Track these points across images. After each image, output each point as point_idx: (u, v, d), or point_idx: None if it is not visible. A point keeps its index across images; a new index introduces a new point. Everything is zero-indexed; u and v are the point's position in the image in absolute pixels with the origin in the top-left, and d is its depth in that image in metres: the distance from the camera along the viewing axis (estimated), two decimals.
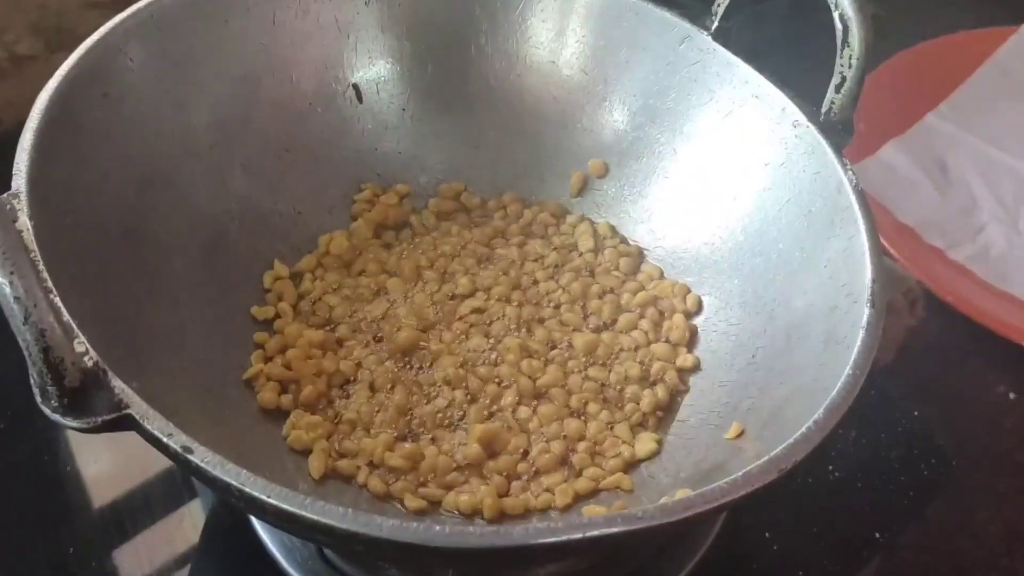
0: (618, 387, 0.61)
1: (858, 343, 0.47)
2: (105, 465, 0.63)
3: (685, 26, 0.65)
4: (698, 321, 0.64)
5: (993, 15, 1.01)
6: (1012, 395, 0.72)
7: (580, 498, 0.56)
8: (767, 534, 0.61)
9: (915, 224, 0.81)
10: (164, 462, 0.61)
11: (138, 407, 0.40)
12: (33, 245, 0.42)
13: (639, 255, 0.68)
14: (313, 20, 0.66)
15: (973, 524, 0.64)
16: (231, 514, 0.61)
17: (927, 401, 0.70)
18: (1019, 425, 0.70)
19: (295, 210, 0.66)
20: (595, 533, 0.38)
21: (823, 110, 0.58)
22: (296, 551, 0.57)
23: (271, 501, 0.38)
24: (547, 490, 0.56)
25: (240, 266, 0.63)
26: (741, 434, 0.53)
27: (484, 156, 0.71)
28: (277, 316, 0.62)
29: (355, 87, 0.69)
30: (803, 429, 0.42)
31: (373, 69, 0.69)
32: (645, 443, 0.58)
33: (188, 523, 0.61)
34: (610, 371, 0.61)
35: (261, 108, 0.65)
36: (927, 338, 0.75)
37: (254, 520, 0.58)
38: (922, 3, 1.07)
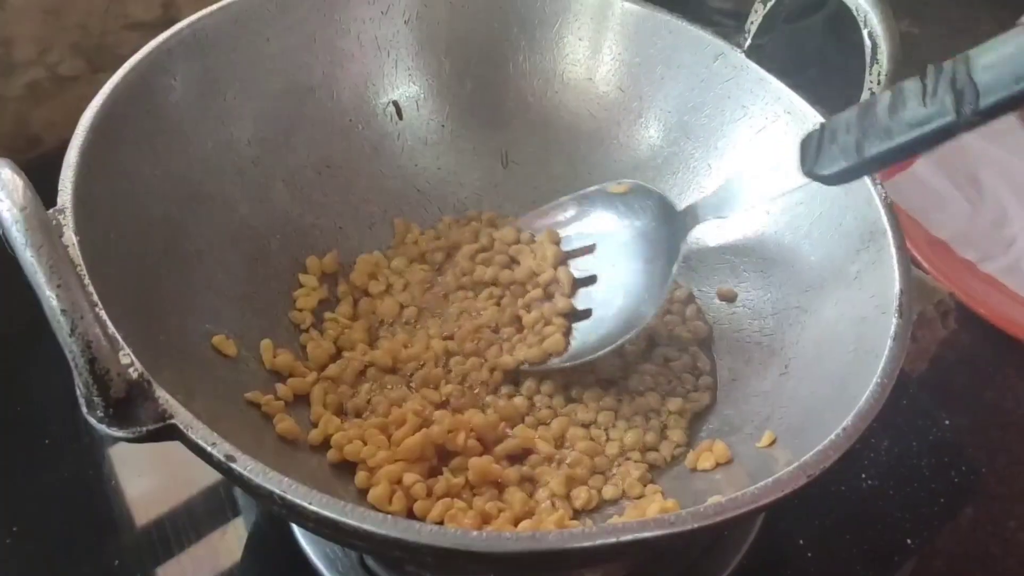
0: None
1: (886, 352, 0.48)
2: (149, 482, 0.64)
3: (719, 43, 0.65)
4: (733, 332, 0.64)
5: None
6: None
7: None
8: (801, 541, 0.62)
9: (947, 237, 0.82)
10: (206, 480, 0.63)
11: (182, 417, 0.41)
12: (79, 259, 0.43)
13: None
14: (354, 39, 0.67)
15: (1004, 531, 0.64)
16: (274, 529, 0.61)
17: (958, 411, 0.70)
18: None
19: (336, 225, 0.67)
20: (629, 537, 0.38)
21: None
22: (338, 561, 0.58)
23: (312, 508, 0.38)
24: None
25: (282, 279, 0.63)
26: (773, 442, 0.53)
27: (521, 171, 0.72)
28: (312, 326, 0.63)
29: (395, 104, 0.70)
30: (831, 436, 0.43)
31: (413, 86, 0.70)
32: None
33: (232, 537, 0.62)
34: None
35: (302, 124, 0.66)
36: (959, 349, 0.76)
37: (297, 533, 0.59)
38: (955, 20, 1.07)
